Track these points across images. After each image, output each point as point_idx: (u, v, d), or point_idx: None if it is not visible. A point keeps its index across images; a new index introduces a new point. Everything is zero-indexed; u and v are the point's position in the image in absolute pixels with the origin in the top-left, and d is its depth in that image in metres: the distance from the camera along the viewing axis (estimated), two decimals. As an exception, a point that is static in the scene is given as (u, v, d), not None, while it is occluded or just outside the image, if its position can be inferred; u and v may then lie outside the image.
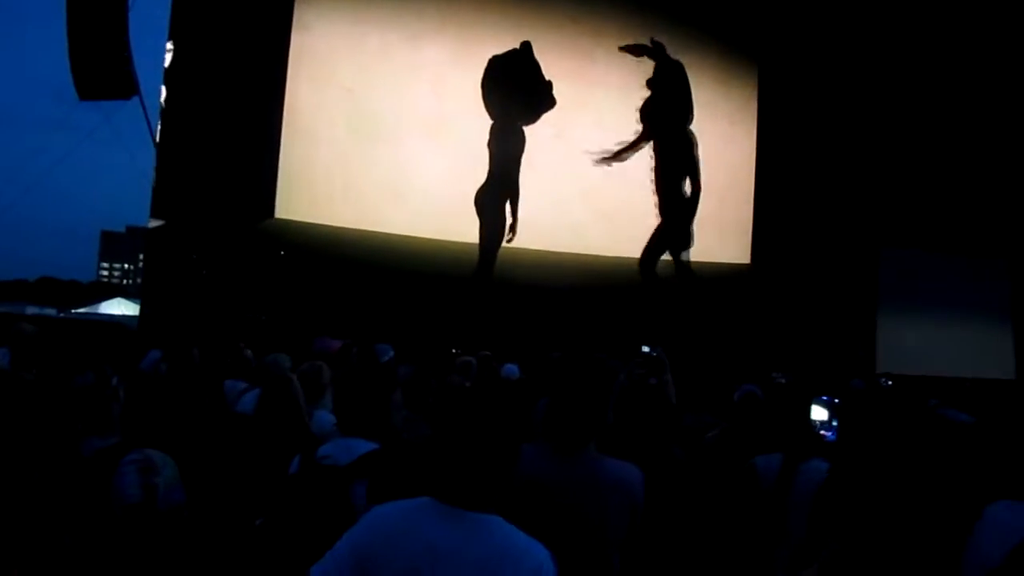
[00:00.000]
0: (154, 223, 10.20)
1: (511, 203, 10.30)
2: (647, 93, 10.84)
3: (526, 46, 10.53)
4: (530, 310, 10.11)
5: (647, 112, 10.55)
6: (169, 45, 10.33)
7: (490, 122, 10.83)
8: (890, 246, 12.66)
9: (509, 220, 10.41)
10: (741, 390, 4.16)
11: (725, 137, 12.42)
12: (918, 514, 1.41)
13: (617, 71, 11.22)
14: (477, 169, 10.78)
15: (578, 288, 10.49)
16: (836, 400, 5.34)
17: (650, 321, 9.73)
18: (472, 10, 11.45)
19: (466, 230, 10.67)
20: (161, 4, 10.35)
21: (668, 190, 10.52)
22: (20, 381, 3.37)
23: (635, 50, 10.64)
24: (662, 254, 10.60)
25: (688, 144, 10.62)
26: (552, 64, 11.26)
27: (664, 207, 10.53)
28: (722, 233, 12.20)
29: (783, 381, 6.47)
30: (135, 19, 10.16)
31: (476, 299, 9.87)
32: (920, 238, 12.51)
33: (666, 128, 10.53)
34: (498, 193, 10.21)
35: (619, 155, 10.51)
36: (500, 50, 11.28)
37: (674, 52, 12.02)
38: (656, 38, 10.68)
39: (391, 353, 6.11)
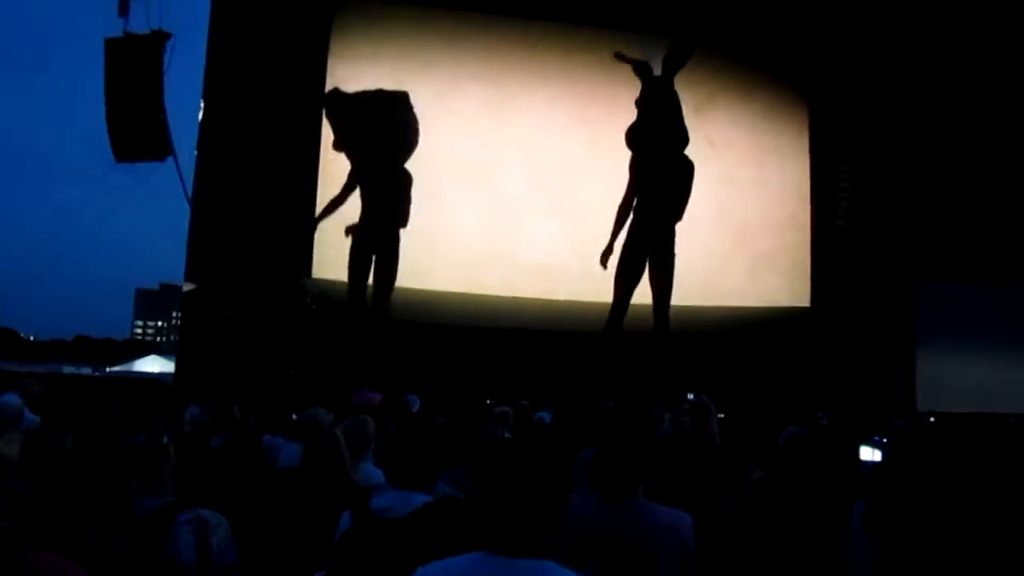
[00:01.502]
0: (188, 287, 10.32)
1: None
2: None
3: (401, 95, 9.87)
4: (567, 358, 10.06)
5: (635, 136, 9.48)
6: (201, 103, 10.56)
7: (533, 172, 11.08)
8: (924, 280, 12.51)
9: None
10: (785, 432, 4.10)
11: (779, 173, 12.48)
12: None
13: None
14: (514, 220, 10.93)
15: (621, 335, 10.17)
16: (886, 440, 5.25)
17: (692, 367, 9.41)
18: (504, 62, 11.62)
19: (501, 283, 10.76)
20: (195, 63, 10.59)
21: (663, 224, 9.38)
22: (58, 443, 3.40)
23: (627, 60, 9.65)
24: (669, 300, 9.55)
25: (686, 169, 9.44)
26: (577, 109, 11.44)
27: (656, 244, 9.39)
28: (780, 274, 12.21)
29: (826, 422, 6.36)
30: (169, 77, 10.37)
31: (366, 339, 9.26)
32: (955, 270, 12.36)
33: (659, 154, 9.39)
34: (387, 232, 9.46)
35: (616, 231, 9.55)
36: (535, 100, 11.47)
37: (723, 89, 12.16)
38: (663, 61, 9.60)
39: (418, 403, 6.14)
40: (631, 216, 9.26)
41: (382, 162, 9.22)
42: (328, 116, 9.47)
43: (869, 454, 4.93)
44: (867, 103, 12.16)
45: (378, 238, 9.15)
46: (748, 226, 12.17)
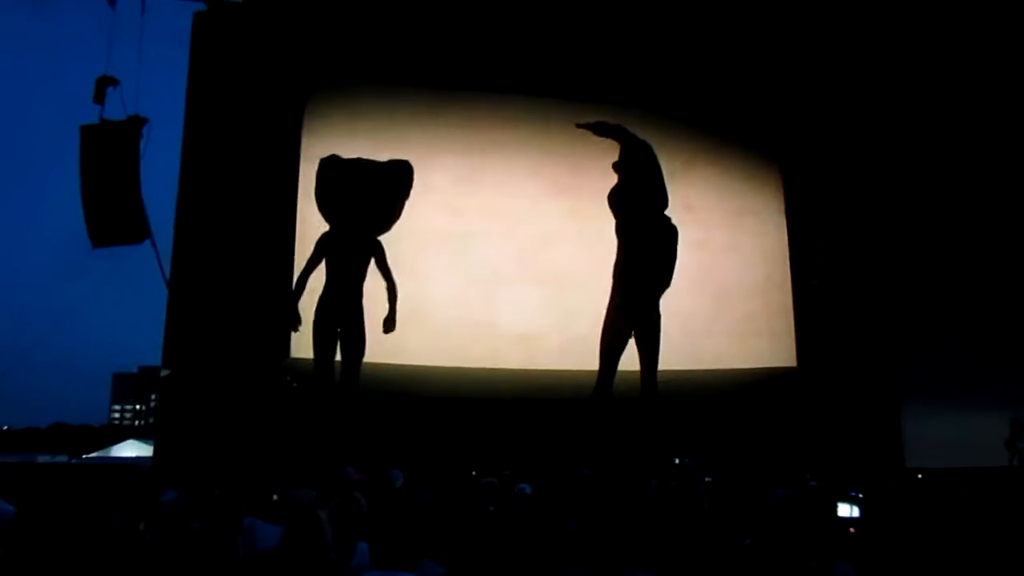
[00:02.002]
0: (164, 372, 10.20)
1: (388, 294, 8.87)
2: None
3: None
4: (553, 425, 9.98)
5: (618, 199, 8.78)
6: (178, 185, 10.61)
7: (511, 243, 11.12)
8: (910, 339, 12.62)
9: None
10: (774, 495, 4.06)
11: (757, 236, 12.68)
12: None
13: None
14: (494, 290, 10.94)
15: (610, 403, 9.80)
16: (863, 495, 5.20)
17: (680, 431, 9.13)
18: (479, 134, 11.81)
19: (482, 353, 10.73)
20: (172, 146, 10.66)
21: (650, 288, 8.70)
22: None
23: (597, 128, 8.88)
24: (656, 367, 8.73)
25: (670, 233, 8.76)
26: (554, 179, 11.58)
27: (642, 310, 8.62)
28: (765, 335, 12.28)
29: (815, 484, 6.32)
30: (146, 161, 10.40)
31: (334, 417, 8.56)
32: (939, 331, 12.52)
33: (642, 216, 8.70)
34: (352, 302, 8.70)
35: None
36: (512, 171, 11.62)
37: (700, 155, 12.40)
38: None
39: (402, 478, 6.05)
40: (615, 282, 8.94)
41: (348, 231, 8.73)
42: (317, 181, 9.31)
43: (847, 510, 4.88)
44: (838, 166, 12.46)
45: (342, 311, 8.59)
46: (729, 289, 12.29)
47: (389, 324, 8.66)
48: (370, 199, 8.92)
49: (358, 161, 9.17)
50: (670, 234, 8.60)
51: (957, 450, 11.78)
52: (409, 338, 10.50)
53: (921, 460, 11.63)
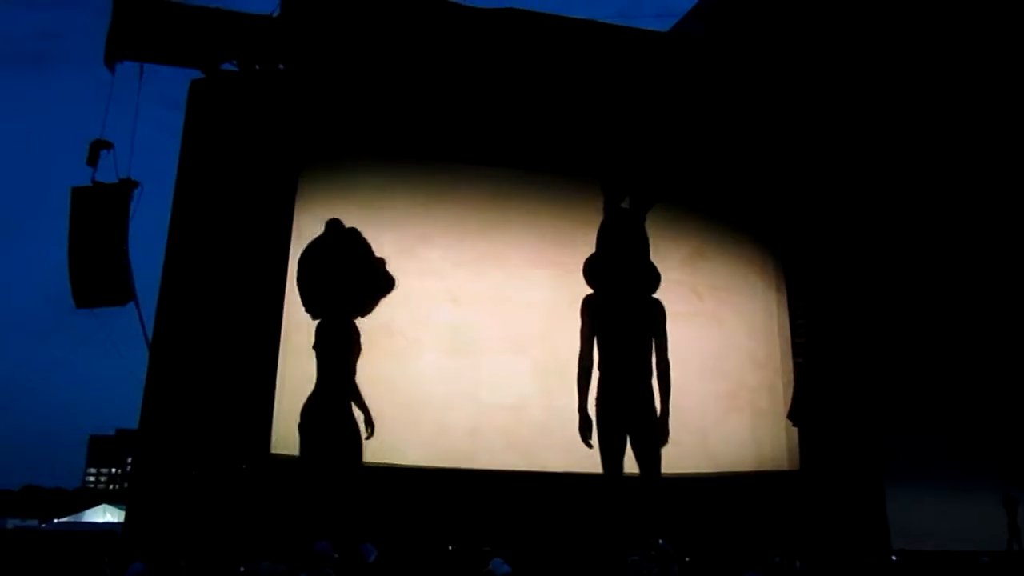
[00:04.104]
0: (133, 460, 9.97)
1: (359, 407, 7.80)
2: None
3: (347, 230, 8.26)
4: (538, 501, 9.80)
5: (590, 270, 7.90)
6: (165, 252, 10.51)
7: (504, 332, 10.96)
8: (894, 422, 12.63)
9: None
10: (746, 578, 4.03)
11: (754, 325, 12.60)
12: None
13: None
14: (479, 363, 10.87)
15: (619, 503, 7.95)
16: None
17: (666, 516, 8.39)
18: (472, 208, 11.72)
19: (466, 427, 10.58)
20: (162, 209, 10.65)
21: (635, 374, 7.57)
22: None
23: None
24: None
25: (654, 313, 7.72)
26: (548, 252, 11.53)
27: (631, 398, 7.46)
28: (766, 434, 12.10)
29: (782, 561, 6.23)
30: (135, 223, 10.38)
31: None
32: (924, 415, 12.57)
33: (620, 293, 7.70)
34: (340, 402, 7.61)
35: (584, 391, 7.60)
36: (506, 245, 11.58)
37: (708, 242, 12.51)
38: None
39: (375, 553, 5.96)
40: (596, 369, 7.53)
41: (329, 316, 7.74)
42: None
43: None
44: (830, 255, 12.61)
45: (326, 409, 7.46)
46: (735, 383, 12.19)
47: (367, 426, 7.77)
48: (335, 279, 7.89)
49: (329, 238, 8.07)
50: (655, 313, 7.68)
51: (944, 533, 11.70)
52: (404, 434, 10.09)
53: (906, 543, 11.51)
